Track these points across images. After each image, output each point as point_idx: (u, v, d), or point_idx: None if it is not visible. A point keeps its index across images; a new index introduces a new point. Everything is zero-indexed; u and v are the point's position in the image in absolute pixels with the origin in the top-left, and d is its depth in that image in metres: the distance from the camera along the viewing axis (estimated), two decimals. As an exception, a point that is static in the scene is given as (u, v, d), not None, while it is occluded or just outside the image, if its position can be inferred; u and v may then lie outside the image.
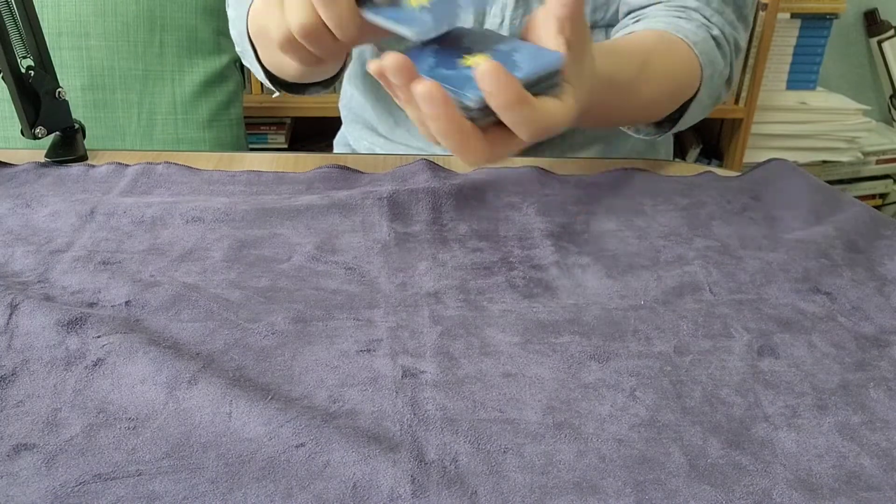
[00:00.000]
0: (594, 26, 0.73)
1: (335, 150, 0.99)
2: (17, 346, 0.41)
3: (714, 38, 0.65)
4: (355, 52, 0.91)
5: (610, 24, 0.73)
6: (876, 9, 1.98)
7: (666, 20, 0.65)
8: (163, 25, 0.98)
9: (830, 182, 1.85)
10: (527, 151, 0.60)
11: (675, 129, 0.68)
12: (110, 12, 0.97)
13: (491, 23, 0.73)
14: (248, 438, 0.36)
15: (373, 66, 0.42)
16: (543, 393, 0.39)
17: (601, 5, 0.72)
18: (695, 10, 0.65)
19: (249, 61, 0.68)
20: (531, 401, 0.39)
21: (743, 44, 0.68)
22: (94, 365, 0.40)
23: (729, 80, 0.68)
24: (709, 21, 0.65)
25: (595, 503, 0.33)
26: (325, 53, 0.47)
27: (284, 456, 0.35)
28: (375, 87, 0.87)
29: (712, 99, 0.67)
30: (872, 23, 1.99)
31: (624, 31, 0.67)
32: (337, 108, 0.99)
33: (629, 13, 0.69)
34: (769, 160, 0.66)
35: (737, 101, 1.65)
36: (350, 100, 0.93)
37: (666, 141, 0.93)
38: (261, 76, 0.67)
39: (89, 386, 0.39)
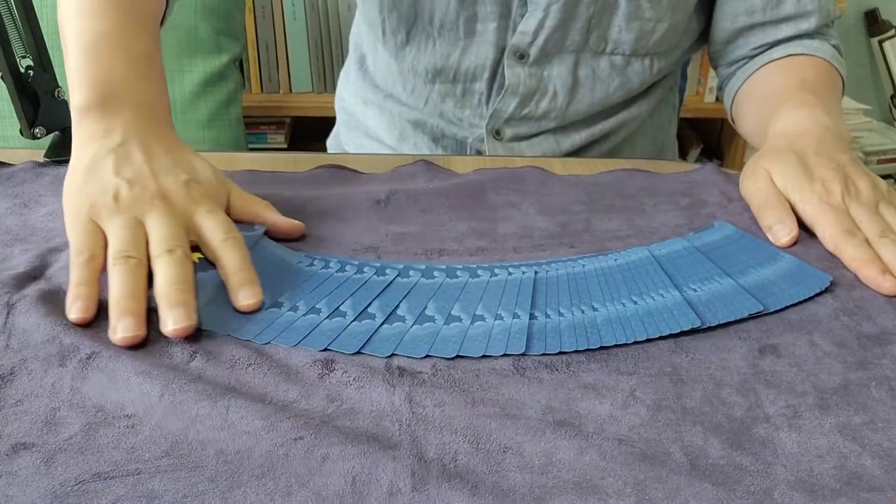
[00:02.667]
0: (633, 54, 0.74)
1: (329, 152, 0.98)
2: (15, 346, 0.41)
3: (834, 46, 0.74)
4: (354, 54, 0.91)
5: (648, 53, 0.74)
6: (876, 9, 1.98)
7: (799, 44, 0.73)
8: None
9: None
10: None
11: None
12: (110, 12, 0.96)
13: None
14: (246, 432, 0.36)
15: None
16: (543, 392, 0.39)
17: (646, 33, 0.72)
18: (815, 30, 0.74)
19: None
20: (531, 400, 0.39)
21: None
22: (89, 358, 0.40)
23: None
24: (825, 35, 0.75)
25: (595, 503, 0.33)
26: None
27: (283, 450, 0.35)
28: (381, 99, 0.85)
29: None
30: (873, 23, 1.99)
31: (764, 62, 0.74)
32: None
33: (757, 48, 0.75)
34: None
35: (737, 101, 1.64)
36: (348, 104, 0.92)
37: (672, 146, 0.93)
38: None
39: (86, 381, 0.38)
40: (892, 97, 2.02)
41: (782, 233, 0.52)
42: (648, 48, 0.74)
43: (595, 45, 0.73)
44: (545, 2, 0.70)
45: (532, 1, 0.70)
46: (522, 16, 0.71)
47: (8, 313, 0.43)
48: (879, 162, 1.90)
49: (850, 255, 0.50)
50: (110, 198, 0.47)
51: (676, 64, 0.83)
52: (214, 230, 0.47)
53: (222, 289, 0.45)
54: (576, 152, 0.81)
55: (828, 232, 0.52)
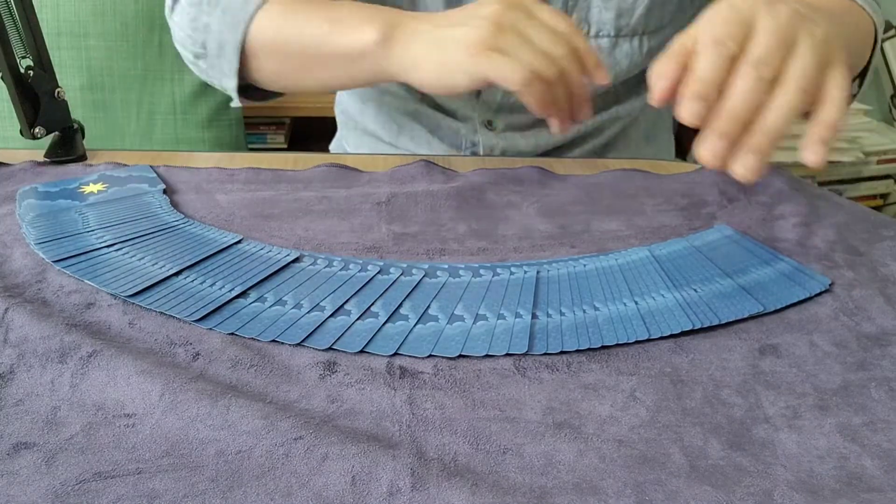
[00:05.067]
0: (618, 34, 0.73)
1: (332, 152, 0.99)
2: (14, 345, 0.41)
3: None
4: None
5: (635, 33, 0.73)
6: (876, 9, 1.97)
7: None
8: (162, 25, 0.97)
9: (831, 182, 1.85)
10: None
11: (869, 66, 0.67)
12: (109, 12, 0.96)
13: None
14: (247, 432, 0.36)
15: None
16: (543, 393, 0.39)
17: (626, 10, 0.72)
18: None
19: (213, 66, 0.66)
20: (531, 401, 0.39)
21: None
22: (90, 356, 0.40)
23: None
24: None
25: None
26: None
27: (283, 449, 0.35)
28: (377, 94, 0.86)
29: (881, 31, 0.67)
30: (873, 23, 1.98)
31: None
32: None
33: None
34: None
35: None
36: (346, 105, 0.92)
37: (667, 144, 0.93)
38: (228, 84, 0.66)
39: (86, 380, 0.38)
40: (892, 97, 2.02)
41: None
42: (633, 27, 0.73)
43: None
44: None
45: None
46: None
47: (7, 312, 0.43)
48: (879, 162, 1.89)
49: (698, 70, 0.41)
50: None
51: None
52: None
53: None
54: (570, 144, 0.81)
55: (697, 36, 0.43)
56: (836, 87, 0.42)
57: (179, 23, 0.68)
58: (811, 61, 0.42)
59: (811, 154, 0.41)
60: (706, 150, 0.41)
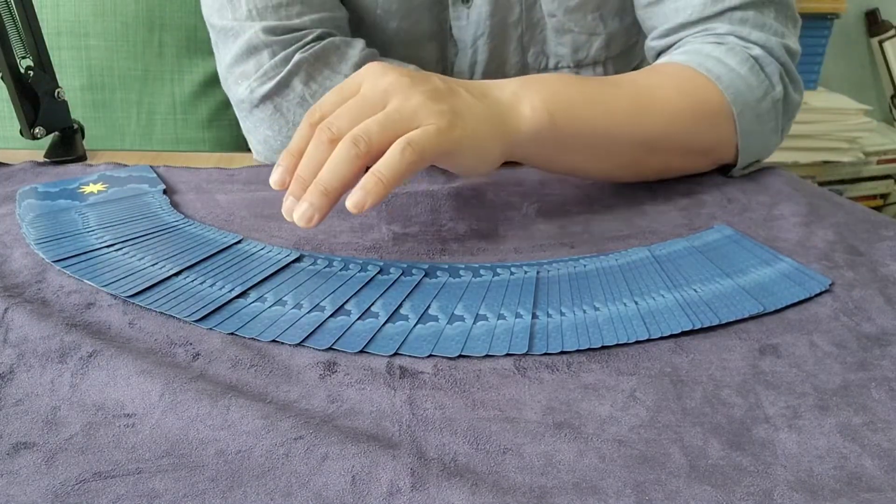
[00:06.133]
0: (579, 65, 0.72)
1: None
2: (14, 345, 0.41)
3: (754, 58, 0.58)
4: None
5: (597, 62, 0.72)
6: (877, 8, 1.98)
7: (691, 49, 0.60)
8: (162, 25, 0.98)
9: (831, 182, 1.85)
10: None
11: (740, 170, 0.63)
12: (109, 12, 0.96)
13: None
14: (247, 431, 0.36)
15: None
16: (543, 393, 0.39)
17: (582, 45, 0.71)
18: (728, 33, 0.59)
19: None
20: (531, 401, 0.39)
21: (795, 46, 0.61)
22: (90, 356, 0.40)
23: (787, 98, 0.61)
24: (746, 40, 0.59)
25: (595, 504, 0.33)
26: None
27: (283, 449, 0.35)
28: None
29: (771, 124, 0.61)
30: (873, 23, 1.99)
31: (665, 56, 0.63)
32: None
33: (660, 54, 0.64)
34: (765, 168, 0.66)
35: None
36: None
37: None
38: None
39: (86, 380, 0.39)
40: (892, 97, 2.02)
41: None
42: (593, 57, 0.71)
43: (536, 63, 0.72)
44: (471, 38, 0.69)
45: (461, 40, 0.70)
46: (456, 54, 0.71)
47: (7, 312, 0.43)
48: (879, 162, 1.89)
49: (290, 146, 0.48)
50: None
51: (643, 65, 0.78)
52: None
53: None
54: None
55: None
56: (398, 151, 0.45)
57: (265, 119, 0.63)
58: (374, 123, 0.45)
59: (348, 198, 0.45)
60: (285, 208, 0.46)
